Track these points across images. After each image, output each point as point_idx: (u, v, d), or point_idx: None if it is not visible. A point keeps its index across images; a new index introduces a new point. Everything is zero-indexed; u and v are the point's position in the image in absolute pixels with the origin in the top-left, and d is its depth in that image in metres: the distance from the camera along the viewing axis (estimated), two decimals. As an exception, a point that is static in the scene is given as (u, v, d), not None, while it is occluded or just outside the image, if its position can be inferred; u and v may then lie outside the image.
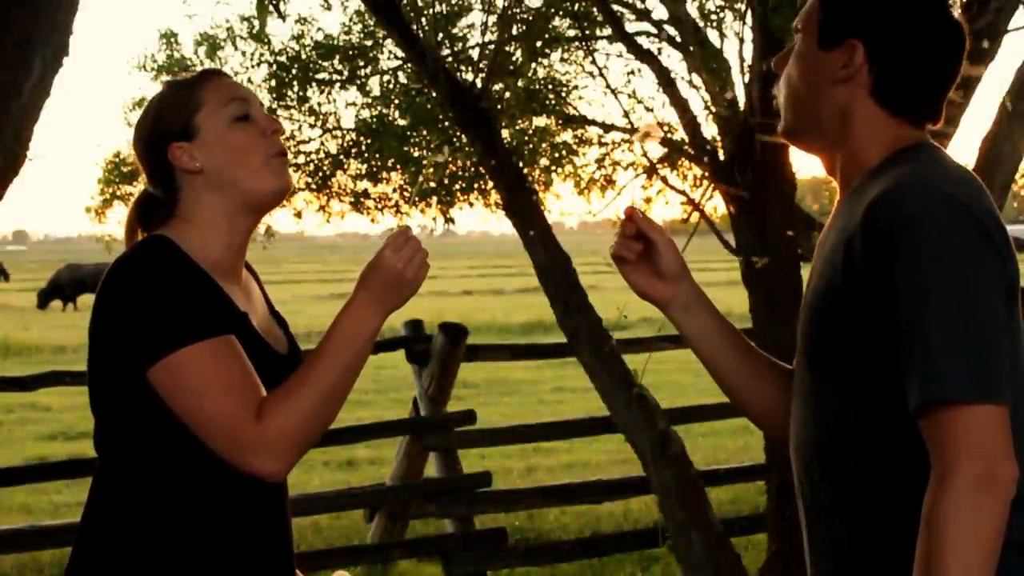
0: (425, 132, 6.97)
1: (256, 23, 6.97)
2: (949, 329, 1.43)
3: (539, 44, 5.63)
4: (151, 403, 1.72)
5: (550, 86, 6.76)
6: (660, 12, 4.89)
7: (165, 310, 1.70)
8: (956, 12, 1.64)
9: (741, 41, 4.61)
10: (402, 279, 1.78)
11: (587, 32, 5.71)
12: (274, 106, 7.19)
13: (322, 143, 7.37)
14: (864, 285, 1.50)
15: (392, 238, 1.79)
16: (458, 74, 5.45)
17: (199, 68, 7.08)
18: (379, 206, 7.51)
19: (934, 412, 1.43)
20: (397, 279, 1.78)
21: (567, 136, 7.31)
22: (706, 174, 5.82)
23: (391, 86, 7.15)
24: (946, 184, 1.50)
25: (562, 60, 6.82)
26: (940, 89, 1.62)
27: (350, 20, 7.10)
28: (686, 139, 5.13)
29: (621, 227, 1.86)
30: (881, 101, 1.60)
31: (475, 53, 5.93)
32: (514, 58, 5.72)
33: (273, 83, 7.12)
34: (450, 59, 5.68)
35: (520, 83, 5.72)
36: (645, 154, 6.08)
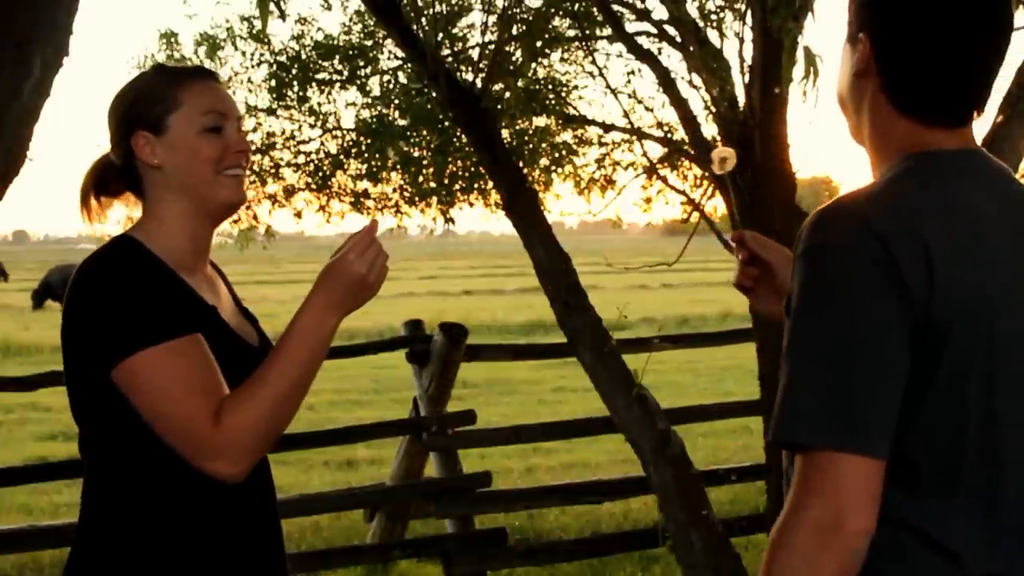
0: (425, 132, 6.96)
1: (256, 23, 6.96)
2: (816, 371, 1.34)
3: (539, 44, 5.62)
4: (123, 405, 1.73)
5: (550, 86, 6.76)
6: (660, 12, 4.89)
7: (126, 313, 1.71)
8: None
9: (741, 41, 4.61)
10: (365, 283, 1.78)
11: (587, 32, 5.70)
12: (274, 106, 7.19)
13: (322, 143, 7.37)
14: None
15: (357, 241, 1.79)
16: (458, 74, 5.45)
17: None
18: (379, 206, 7.50)
19: (792, 449, 1.38)
20: (360, 283, 1.78)
21: (567, 136, 7.30)
22: (706, 174, 5.83)
23: (391, 86, 7.15)
24: (875, 212, 1.37)
25: (562, 60, 6.81)
26: (952, 87, 1.47)
27: (350, 20, 7.09)
28: (686, 139, 5.13)
29: (736, 255, 1.83)
30: (889, 98, 1.50)
31: (475, 53, 5.92)
32: (514, 58, 5.71)
33: (273, 83, 7.11)
34: (450, 59, 5.68)
35: (520, 83, 5.71)
36: (645, 154, 6.08)
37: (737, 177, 4.44)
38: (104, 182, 1.94)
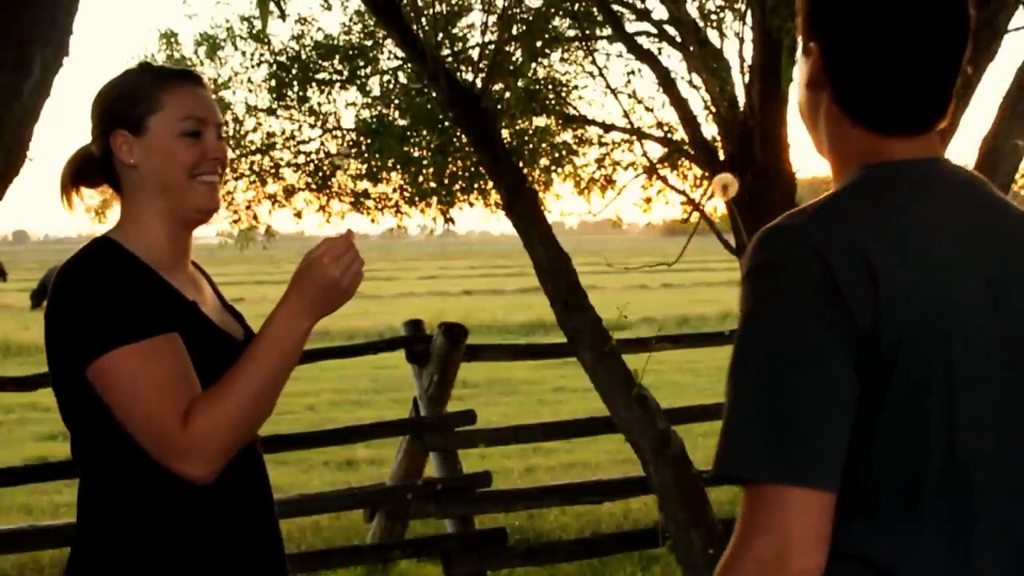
0: (425, 132, 6.97)
1: (256, 23, 6.97)
2: (757, 399, 1.28)
3: (539, 44, 5.63)
4: (103, 405, 1.73)
5: (550, 86, 6.76)
6: (660, 12, 4.90)
7: (100, 312, 1.72)
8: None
9: (741, 41, 4.63)
10: (338, 287, 1.78)
11: (587, 32, 5.71)
12: (274, 106, 7.19)
13: (322, 143, 7.37)
14: None
15: (332, 246, 1.79)
16: (458, 74, 5.45)
17: (197, 67, 7.11)
18: (379, 206, 7.50)
19: (734, 483, 1.32)
20: (333, 287, 1.78)
21: (567, 136, 7.31)
22: (706, 174, 5.83)
23: (391, 86, 7.15)
24: (817, 228, 1.32)
25: (562, 60, 6.83)
26: (904, 94, 1.41)
27: (350, 20, 7.11)
28: (686, 139, 5.14)
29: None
30: (843, 107, 1.44)
31: (475, 53, 5.93)
32: (514, 58, 5.72)
33: (273, 83, 7.12)
34: (450, 59, 5.68)
35: (520, 83, 5.72)
36: (645, 154, 6.09)
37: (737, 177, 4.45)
38: (83, 173, 1.95)
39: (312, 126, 7.29)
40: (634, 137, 6.23)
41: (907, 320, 1.29)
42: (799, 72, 1.53)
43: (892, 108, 1.42)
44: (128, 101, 1.87)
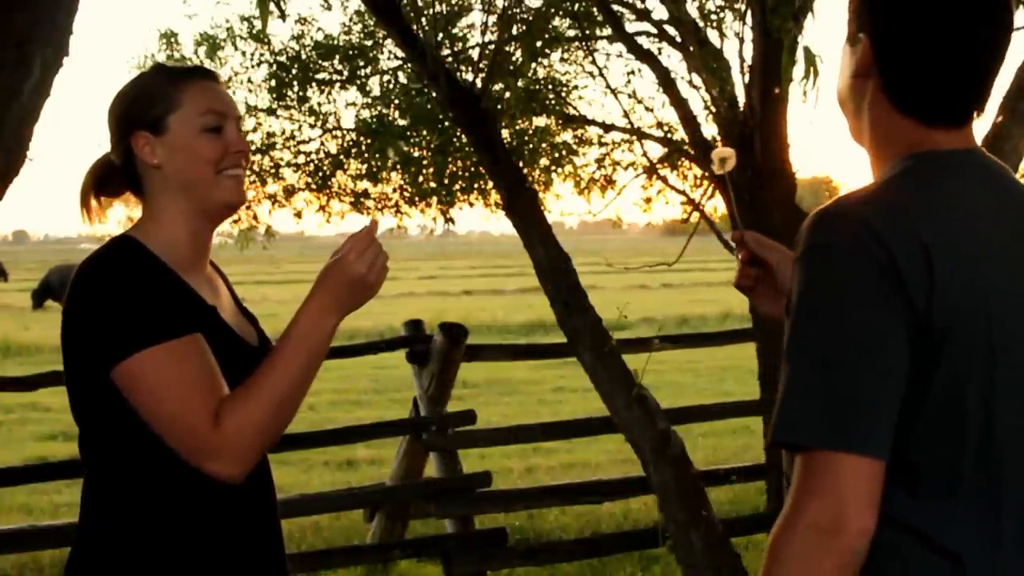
0: (425, 132, 6.97)
1: (256, 23, 6.97)
2: (816, 372, 1.34)
3: (539, 44, 5.63)
4: (123, 405, 1.73)
5: (550, 86, 6.76)
6: (660, 12, 4.89)
7: (126, 312, 1.71)
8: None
9: (741, 41, 4.63)
10: (365, 283, 1.78)
11: (587, 32, 5.71)
12: (274, 106, 7.19)
13: (322, 143, 7.37)
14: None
15: (356, 241, 1.78)
16: (458, 74, 5.45)
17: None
18: (379, 206, 7.50)
19: (792, 450, 1.37)
20: (360, 283, 1.78)
21: (567, 136, 7.31)
22: (706, 174, 5.84)
23: (391, 86, 7.15)
24: (875, 213, 1.37)
25: (562, 60, 6.83)
26: (953, 86, 1.46)
27: (350, 20, 7.10)
28: (686, 139, 5.14)
29: (736, 255, 1.84)
30: (890, 98, 1.49)
31: (475, 53, 5.93)
32: (514, 58, 5.72)
33: (273, 83, 7.12)
34: (450, 59, 5.68)
35: (520, 83, 5.72)
36: (645, 154, 6.09)
37: (735, 176, 4.44)
38: (104, 182, 1.94)
39: (312, 126, 7.29)
40: (634, 137, 6.23)
41: (955, 307, 1.35)
42: (843, 61, 1.57)
43: (940, 100, 1.47)
44: (146, 102, 1.86)
